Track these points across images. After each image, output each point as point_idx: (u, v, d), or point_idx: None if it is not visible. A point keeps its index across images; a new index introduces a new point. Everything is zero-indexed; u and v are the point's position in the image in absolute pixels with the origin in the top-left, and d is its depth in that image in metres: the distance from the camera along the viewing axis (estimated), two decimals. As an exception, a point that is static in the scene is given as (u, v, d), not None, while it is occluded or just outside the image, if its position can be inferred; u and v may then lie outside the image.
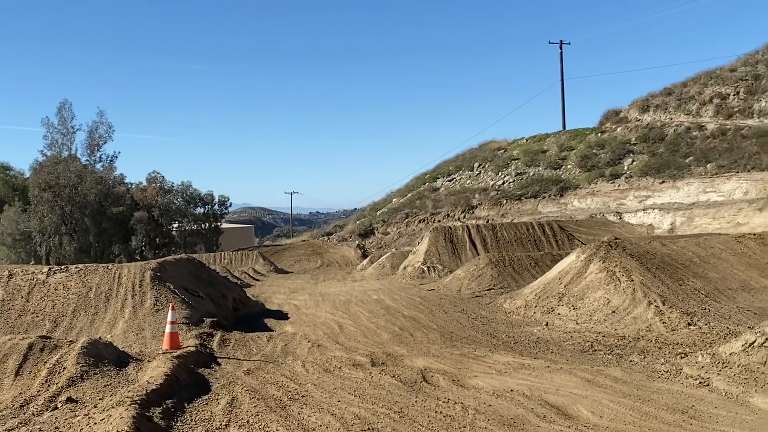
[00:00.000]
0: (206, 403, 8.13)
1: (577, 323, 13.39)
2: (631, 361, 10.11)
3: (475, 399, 8.13)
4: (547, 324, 13.69)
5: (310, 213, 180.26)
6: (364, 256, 39.55)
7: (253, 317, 16.71)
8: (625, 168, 43.18)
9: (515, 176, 48.68)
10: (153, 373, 8.87)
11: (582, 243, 26.91)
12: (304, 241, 52.20)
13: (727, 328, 11.60)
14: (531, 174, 48.19)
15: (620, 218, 36.73)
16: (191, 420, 7.44)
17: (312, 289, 24.35)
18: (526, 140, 54.06)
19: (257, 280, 30.51)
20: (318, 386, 9.00)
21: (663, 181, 39.17)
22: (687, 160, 40.05)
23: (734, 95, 47.39)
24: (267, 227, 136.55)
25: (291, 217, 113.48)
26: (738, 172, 36.32)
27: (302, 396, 8.49)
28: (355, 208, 76.32)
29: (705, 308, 12.93)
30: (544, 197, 44.87)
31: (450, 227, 30.85)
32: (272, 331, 14.57)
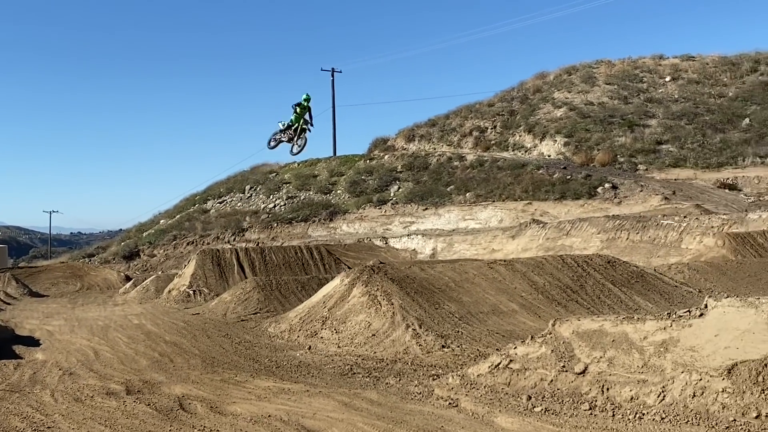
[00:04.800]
0: (-63, 440, 7.50)
1: (339, 346, 13.61)
2: (387, 383, 10.41)
3: (231, 426, 8.04)
4: (310, 348, 13.81)
5: (72, 233, 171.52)
6: (128, 279, 38.14)
7: (0, 344, 15.61)
8: (392, 194, 44.68)
9: (286, 200, 48.96)
10: None
11: (349, 267, 27.43)
12: (63, 262, 49.45)
13: (477, 350, 12.23)
14: (302, 198, 48.68)
15: (386, 243, 37.85)
16: None
17: (69, 313, 23.13)
18: (298, 164, 54.54)
19: (8, 304, 28.54)
20: (66, 417, 8.55)
21: (426, 208, 40.90)
22: (448, 189, 42.07)
23: (492, 129, 50.53)
24: (23, 248, 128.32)
25: (50, 237, 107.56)
26: (494, 201, 38.65)
27: (48, 427, 8.04)
28: (121, 229, 73.60)
29: (458, 331, 13.56)
30: (314, 221, 45.44)
31: (218, 250, 30.46)
32: (21, 358, 13.67)
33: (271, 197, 49.97)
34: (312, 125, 26.69)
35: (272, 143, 27.15)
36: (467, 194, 40.69)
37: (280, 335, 15.54)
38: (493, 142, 49.44)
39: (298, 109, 25.95)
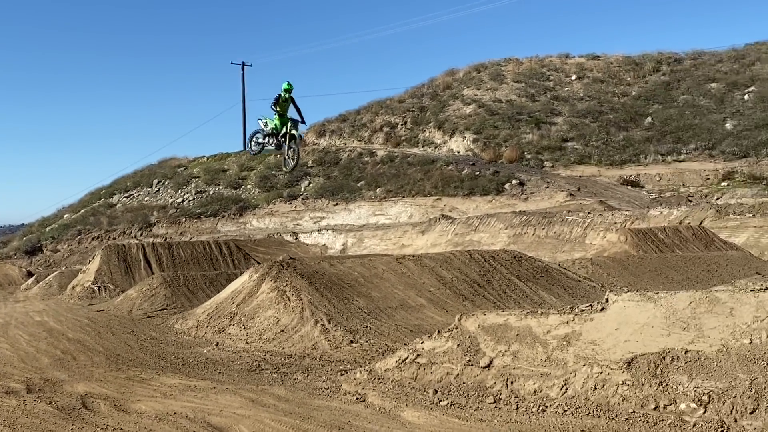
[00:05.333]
0: None
1: (247, 342, 13.52)
2: (295, 379, 10.39)
3: (135, 424, 7.91)
4: (217, 344, 13.67)
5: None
6: (30, 274, 37.02)
7: None
8: (302, 190, 44.60)
9: (195, 194, 48.33)
10: None
11: (258, 262, 27.23)
12: (-40, 258, 47.72)
13: (386, 345, 12.32)
14: (211, 192, 48.13)
15: (297, 238, 37.73)
16: None
17: (-34, 311, 22.32)
18: (207, 159, 53.96)
19: None
20: (-37, 418, 8.27)
21: (337, 203, 40.96)
22: (359, 184, 42.19)
23: (402, 125, 50.86)
24: None
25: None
26: (404, 197, 38.94)
27: (-58, 430, 7.76)
28: (23, 224, 71.33)
29: (367, 326, 13.63)
30: (223, 216, 45.02)
31: (124, 245, 29.82)
32: None
33: (180, 192, 49.24)
34: (303, 121, 19.86)
35: (254, 146, 20.72)
36: (378, 190, 40.88)
37: (187, 332, 15.33)
38: (403, 138, 49.79)
39: (277, 108, 19.34)
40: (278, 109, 19.20)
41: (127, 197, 51.34)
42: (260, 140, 20.13)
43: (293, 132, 19.22)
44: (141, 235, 44.32)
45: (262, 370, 11.27)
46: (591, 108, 48.12)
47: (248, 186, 47.65)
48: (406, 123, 50.94)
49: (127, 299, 20.70)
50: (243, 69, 60.51)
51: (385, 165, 43.49)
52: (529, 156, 43.83)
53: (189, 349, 13.50)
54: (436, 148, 47.59)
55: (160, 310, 19.07)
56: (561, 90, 51.78)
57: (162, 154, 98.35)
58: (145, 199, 50.17)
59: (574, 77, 53.29)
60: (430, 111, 50.99)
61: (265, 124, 19.61)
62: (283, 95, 19.25)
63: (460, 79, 55.11)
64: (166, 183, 51.11)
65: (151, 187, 51.37)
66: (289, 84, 19.25)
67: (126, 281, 25.43)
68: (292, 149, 19.44)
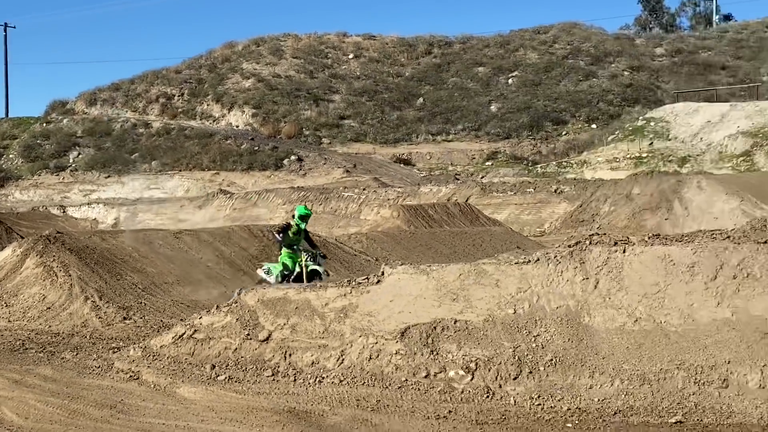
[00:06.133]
0: None
1: (9, 321, 12.76)
2: (63, 358, 9.93)
3: None
4: (-25, 324, 12.81)
5: None
6: None
7: None
8: (71, 161, 42.68)
9: (-51, 164, 44.87)
10: None
11: (22, 237, 25.69)
12: None
13: (161, 321, 12.07)
14: (-33, 162, 44.87)
15: (64, 212, 36.01)
16: None
17: None
18: (-37, 126, 50.12)
19: None
20: None
21: (108, 176, 39.54)
22: (133, 156, 40.90)
23: (179, 96, 49.72)
24: None
25: None
26: (181, 171, 38.20)
27: None
28: None
29: (141, 302, 13.28)
30: (-19, 187, 42.15)
31: None
32: None
33: (-70, 160, 45.48)
34: (323, 255, 14.50)
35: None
36: (153, 163, 39.80)
37: (-60, 311, 14.23)
38: (180, 109, 48.69)
39: (284, 241, 13.66)
40: (290, 252, 13.71)
41: None
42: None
43: (315, 268, 13.58)
44: None
45: (27, 349, 10.69)
46: (367, 87, 49.23)
47: (10, 155, 44.83)
48: (183, 95, 49.83)
49: None
50: (5, 30, 56.75)
51: (161, 137, 42.40)
52: (307, 132, 44.30)
53: (-58, 329, 12.55)
54: (214, 121, 46.94)
55: None
56: (339, 68, 52.55)
57: None
58: None
59: (351, 56, 54.20)
60: (209, 83, 50.18)
61: (267, 271, 14.07)
62: (295, 224, 13.84)
63: (239, 53, 54.53)
64: None
65: None
66: (306, 209, 14.47)
67: None
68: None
